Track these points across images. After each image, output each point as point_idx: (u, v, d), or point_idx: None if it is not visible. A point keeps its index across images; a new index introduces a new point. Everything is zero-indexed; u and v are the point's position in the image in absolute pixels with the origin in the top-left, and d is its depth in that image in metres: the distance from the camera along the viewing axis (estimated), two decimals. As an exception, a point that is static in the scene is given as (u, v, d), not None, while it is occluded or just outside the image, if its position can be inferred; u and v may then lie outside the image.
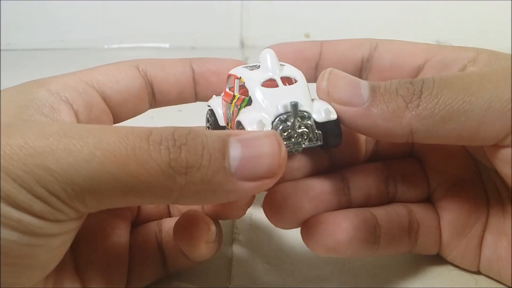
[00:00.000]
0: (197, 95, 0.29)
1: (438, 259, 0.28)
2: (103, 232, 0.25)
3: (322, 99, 0.23)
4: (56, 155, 0.17)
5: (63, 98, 0.24)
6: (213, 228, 0.24)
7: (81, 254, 0.24)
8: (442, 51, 0.28)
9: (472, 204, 0.27)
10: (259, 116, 0.22)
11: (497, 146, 0.22)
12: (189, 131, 0.18)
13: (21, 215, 0.17)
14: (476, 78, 0.21)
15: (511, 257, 0.25)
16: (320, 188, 0.25)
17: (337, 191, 0.26)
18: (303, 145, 0.23)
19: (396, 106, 0.21)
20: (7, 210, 0.17)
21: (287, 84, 0.24)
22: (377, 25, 0.66)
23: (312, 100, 0.24)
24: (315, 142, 0.23)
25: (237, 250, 0.30)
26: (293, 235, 0.31)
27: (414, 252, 0.27)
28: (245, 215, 0.33)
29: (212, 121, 0.28)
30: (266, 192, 0.25)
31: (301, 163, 0.25)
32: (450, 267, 0.28)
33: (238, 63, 0.28)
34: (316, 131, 0.23)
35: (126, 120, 0.28)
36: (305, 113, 0.23)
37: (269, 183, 0.19)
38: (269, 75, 0.24)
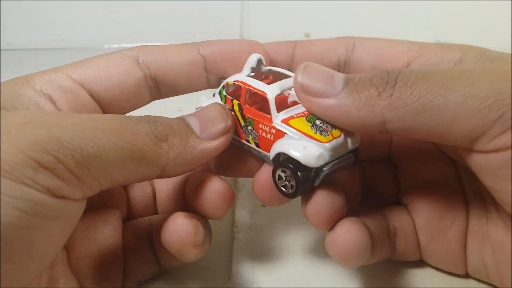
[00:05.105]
0: (209, 82, 0.28)
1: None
2: (95, 229, 0.25)
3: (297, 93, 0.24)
4: (62, 126, 0.19)
5: (47, 96, 0.24)
6: (200, 230, 0.24)
7: (74, 250, 0.24)
8: (426, 52, 0.26)
9: (445, 206, 0.26)
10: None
11: (472, 151, 0.21)
12: (154, 116, 0.23)
13: (24, 189, 0.17)
14: (455, 73, 0.21)
15: (496, 263, 0.24)
16: None
17: None
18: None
19: (368, 95, 0.21)
20: (9, 185, 0.16)
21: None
22: (377, 25, 0.66)
23: None
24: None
25: (237, 250, 0.30)
26: (293, 235, 0.31)
27: (396, 257, 0.27)
28: (245, 215, 0.33)
29: None
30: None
31: None
32: (450, 267, 0.28)
33: (249, 45, 0.27)
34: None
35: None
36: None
37: (228, 138, 0.24)
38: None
